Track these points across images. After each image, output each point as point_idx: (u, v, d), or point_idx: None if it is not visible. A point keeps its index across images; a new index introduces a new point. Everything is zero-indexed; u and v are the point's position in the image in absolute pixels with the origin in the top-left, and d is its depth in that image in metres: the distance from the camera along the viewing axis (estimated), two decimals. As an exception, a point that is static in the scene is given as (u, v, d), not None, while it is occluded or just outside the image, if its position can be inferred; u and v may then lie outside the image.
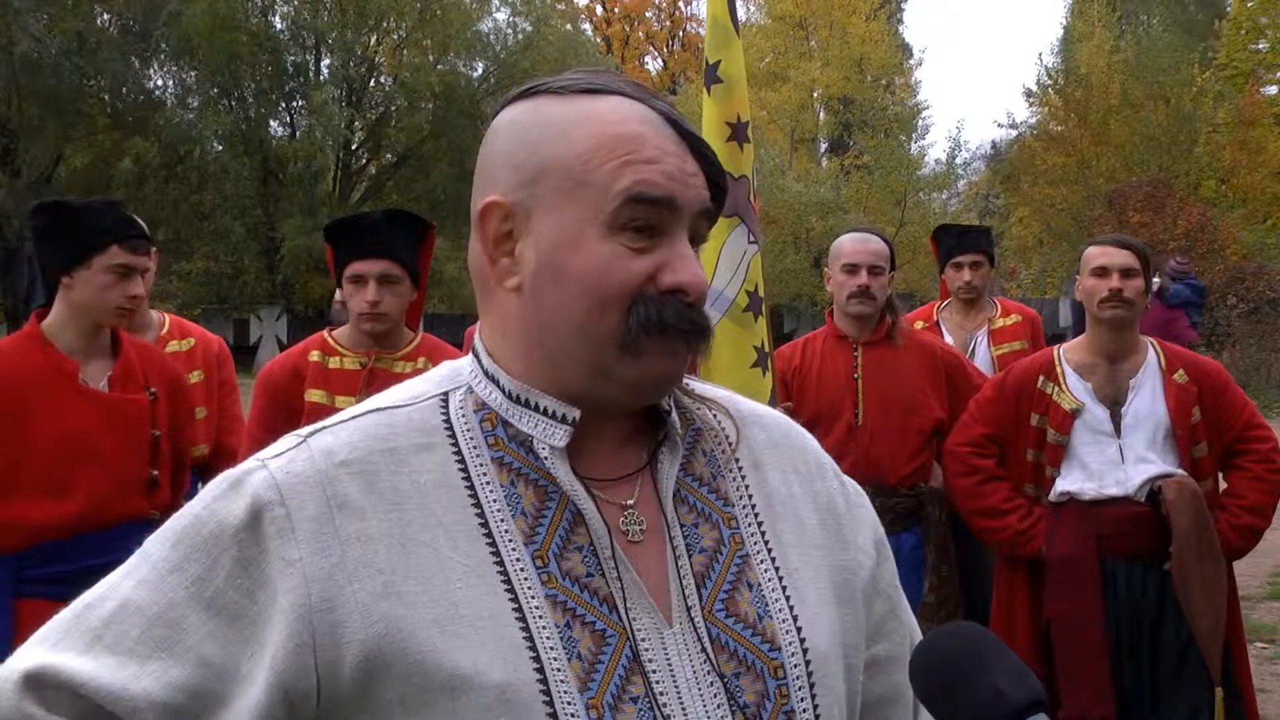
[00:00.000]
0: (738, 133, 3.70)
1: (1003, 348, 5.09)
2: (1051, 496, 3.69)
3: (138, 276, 3.17)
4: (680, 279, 1.10)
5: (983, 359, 5.04)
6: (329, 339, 3.48)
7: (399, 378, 3.48)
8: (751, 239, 3.70)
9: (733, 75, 3.72)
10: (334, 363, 3.42)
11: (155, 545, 1.14)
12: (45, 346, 3.16)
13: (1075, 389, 3.70)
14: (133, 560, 1.14)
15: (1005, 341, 5.13)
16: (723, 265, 3.63)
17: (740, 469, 1.22)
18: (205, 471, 3.91)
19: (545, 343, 1.13)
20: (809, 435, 1.33)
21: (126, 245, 3.14)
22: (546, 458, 1.13)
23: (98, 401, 3.16)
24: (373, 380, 3.34)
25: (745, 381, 3.60)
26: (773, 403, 3.71)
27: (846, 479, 1.32)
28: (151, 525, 3.22)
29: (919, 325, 5.16)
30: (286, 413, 3.30)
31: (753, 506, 1.21)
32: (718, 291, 3.63)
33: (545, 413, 1.13)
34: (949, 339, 5.06)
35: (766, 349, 3.75)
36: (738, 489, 1.21)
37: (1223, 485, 3.78)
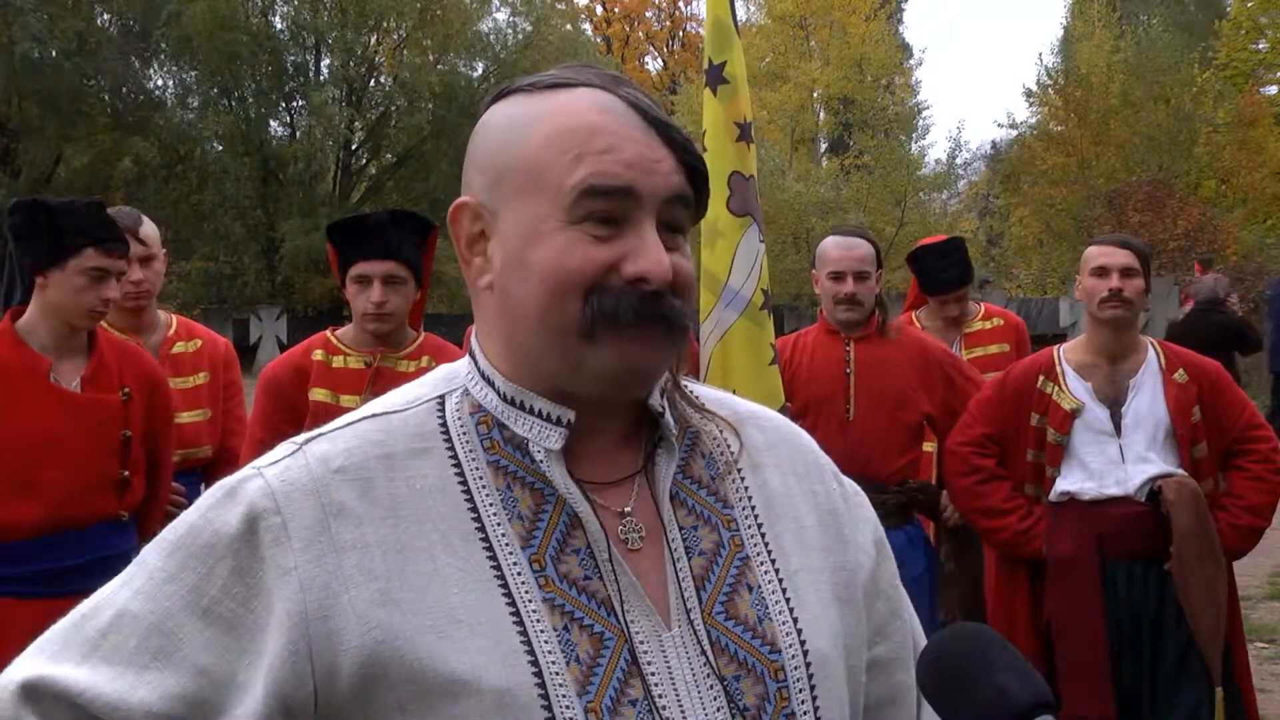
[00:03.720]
0: (745, 133, 3.71)
1: (975, 351, 4.97)
2: (1051, 496, 3.69)
3: (113, 279, 3.13)
4: (642, 267, 1.08)
5: None
6: (332, 338, 3.47)
7: (403, 376, 3.46)
8: (761, 238, 3.71)
9: (737, 76, 3.72)
10: (338, 362, 3.41)
11: (152, 554, 1.13)
12: (18, 344, 3.14)
13: (1075, 389, 3.70)
14: (130, 569, 1.14)
15: (979, 345, 5.02)
16: (738, 265, 3.62)
17: (739, 471, 1.21)
18: (209, 473, 3.90)
19: (519, 339, 1.12)
20: (807, 436, 1.32)
21: (102, 248, 3.09)
22: (542, 460, 1.12)
23: (68, 401, 3.13)
24: (378, 379, 3.34)
25: (764, 379, 3.60)
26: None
27: (845, 479, 1.31)
28: (122, 526, 3.20)
29: None
30: (290, 412, 3.30)
31: (752, 508, 1.20)
32: (734, 291, 3.62)
33: (539, 415, 1.13)
34: None
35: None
36: (737, 491, 1.20)
37: (1223, 485, 3.79)
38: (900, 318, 5.32)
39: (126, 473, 3.21)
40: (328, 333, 3.52)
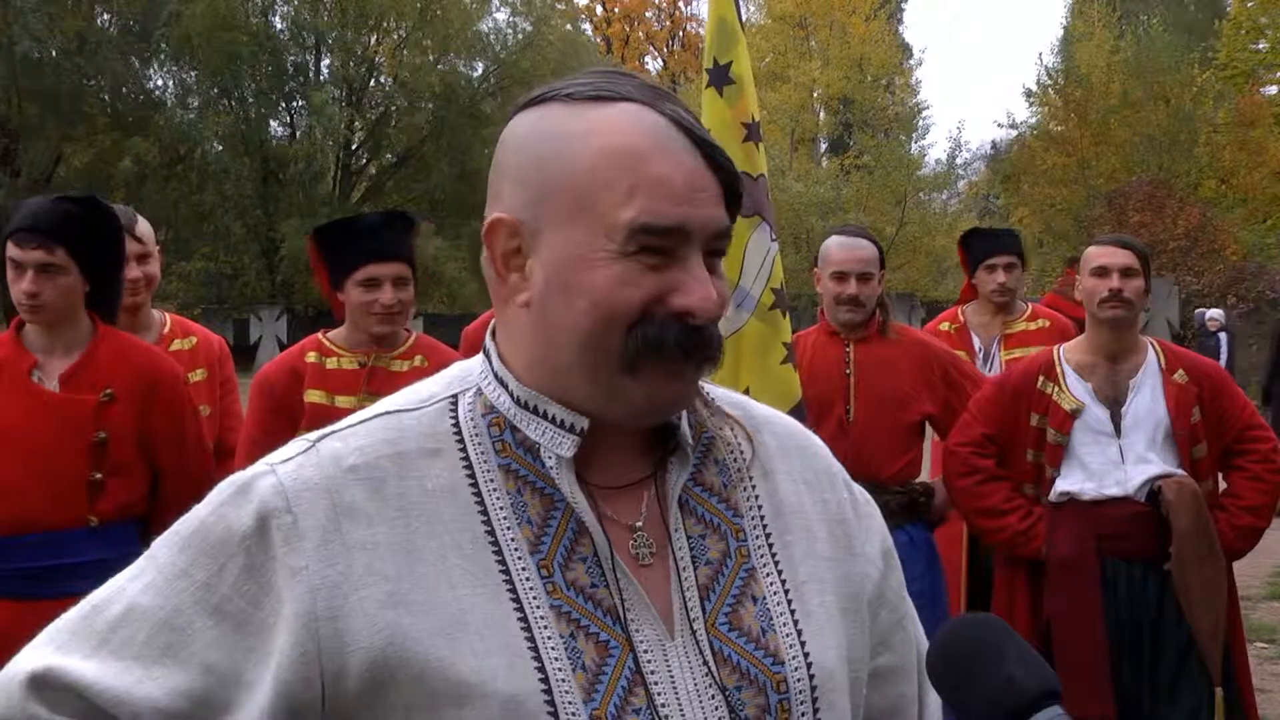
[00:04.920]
0: (753, 133, 3.71)
1: (1014, 352, 4.93)
2: (1051, 497, 3.69)
3: (29, 272, 3.05)
4: (690, 302, 1.08)
5: (997, 362, 4.99)
6: (324, 340, 3.48)
7: (397, 376, 3.47)
8: (773, 237, 3.70)
9: (743, 76, 3.72)
10: (331, 363, 3.42)
11: (163, 549, 1.13)
12: (15, 344, 3.13)
13: (1075, 389, 3.70)
14: (140, 562, 1.14)
15: (1018, 346, 4.98)
16: (748, 265, 3.62)
17: (751, 478, 1.21)
18: None
19: (553, 359, 1.11)
20: (820, 442, 1.31)
21: (14, 239, 3.06)
22: (553, 467, 1.12)
23: (38, 399, 3.09)
24: (372, 379, 3.36)
25: (777, 379, 3.60)
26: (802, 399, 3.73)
27: (855, 486, 1.31)
28: (93, 533, 3.00)
29: (945, 327, 5.11)
30: (286, 415, 3.31)
31: (761, 518, 1.20)
32: (744, 291, 3.61)
33: (554, 421, 1.12)
34: (975, 340, 5.02)
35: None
36: (748, 499, 1.20)
37: (1223, 485, 3.79)
38: (947, 312, 5.32)
39: (99, 475, 3.10)
40: (319, 335, 3.53)
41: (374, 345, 3.43)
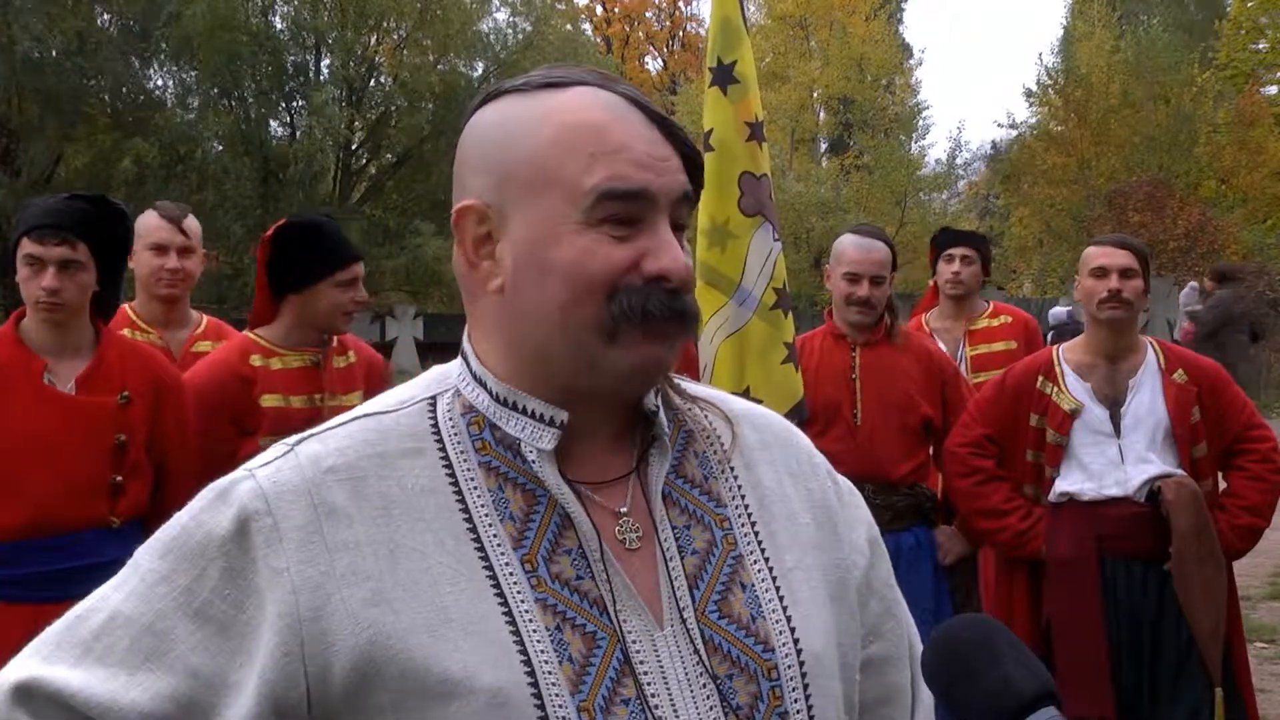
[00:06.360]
0: (756, 132, 3.70)
1: (979, 348, 5.02)
2: (1051, 497, 3.69)
3: (51, 269, 3.05)
4: (663, 265, 1.09)
5: (962, 359, 5.01)
6: (260, 341, 3.39)
7: (343, 372, 3.51)
8: (775, 236, 3.71)
9: (747, 75, 3.72)
10: (276, 364, 3.35)
11: (144, 556, 1.14)
12: (17, 344, 3.11)
13: (1074, 389, 3.70)
14: (123, 572, 1.15)
15: (983, 342, 5.06)
16: (750, 264, 3.63)
17: (733, 469, 1.21)
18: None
19: (531, 340, 1.12)
20: (801, 434, 1.32)
21: (34, 236, 3.06)
22: (534, 461, 1.12)
23: (58, 402, 3.08)
24: (329, 378, 3.37)
25: (779, 378, 3.60)
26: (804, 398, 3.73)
27: (839, 477, 1.31)
28: (114, 533, 2.97)
29: None
30: (232, 420, 3.25)
31: (745, 507, 1.20)
32: (746, 291, 3.62)
33: (532, 415, 1.13)
34: (941, 346, 5.03)
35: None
36: (730, 490, 1.20)
37: (1223, 485, 3.79)
38: (910, 322, 5.33)
39: (120, 478, 3.12)
40: (249, 335, 3.44)
41: (318, 344, 3.40)
